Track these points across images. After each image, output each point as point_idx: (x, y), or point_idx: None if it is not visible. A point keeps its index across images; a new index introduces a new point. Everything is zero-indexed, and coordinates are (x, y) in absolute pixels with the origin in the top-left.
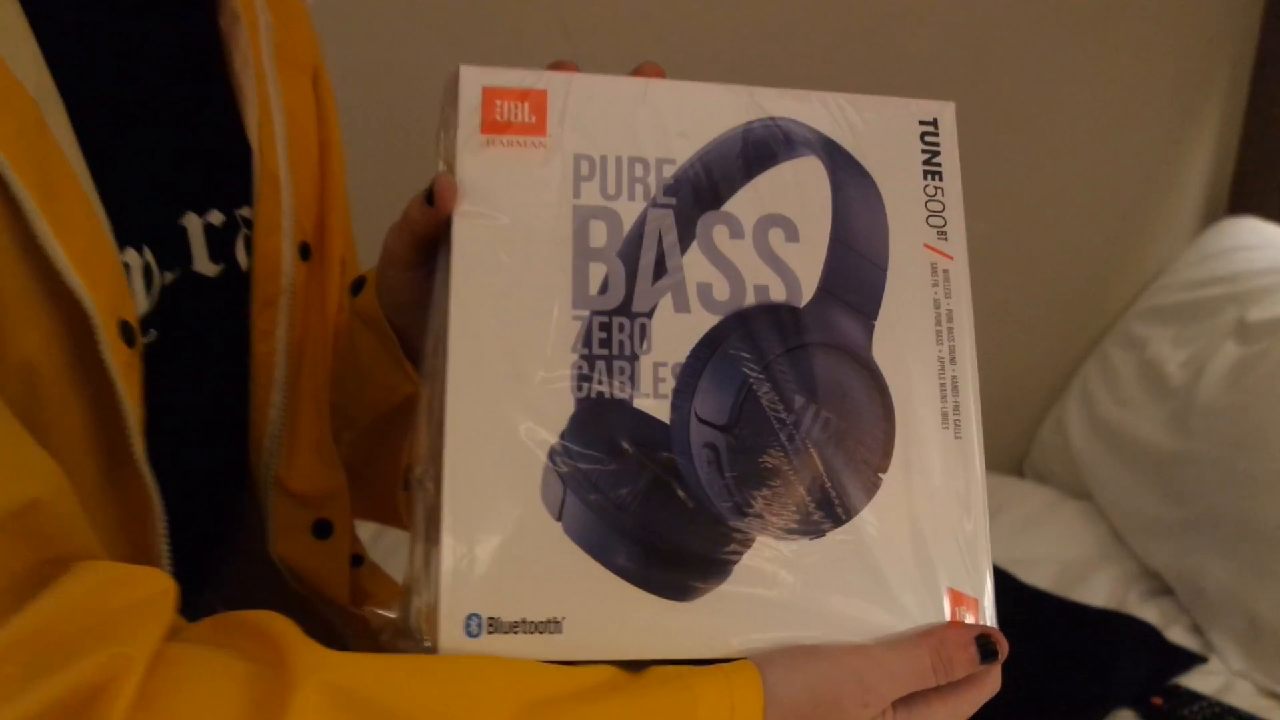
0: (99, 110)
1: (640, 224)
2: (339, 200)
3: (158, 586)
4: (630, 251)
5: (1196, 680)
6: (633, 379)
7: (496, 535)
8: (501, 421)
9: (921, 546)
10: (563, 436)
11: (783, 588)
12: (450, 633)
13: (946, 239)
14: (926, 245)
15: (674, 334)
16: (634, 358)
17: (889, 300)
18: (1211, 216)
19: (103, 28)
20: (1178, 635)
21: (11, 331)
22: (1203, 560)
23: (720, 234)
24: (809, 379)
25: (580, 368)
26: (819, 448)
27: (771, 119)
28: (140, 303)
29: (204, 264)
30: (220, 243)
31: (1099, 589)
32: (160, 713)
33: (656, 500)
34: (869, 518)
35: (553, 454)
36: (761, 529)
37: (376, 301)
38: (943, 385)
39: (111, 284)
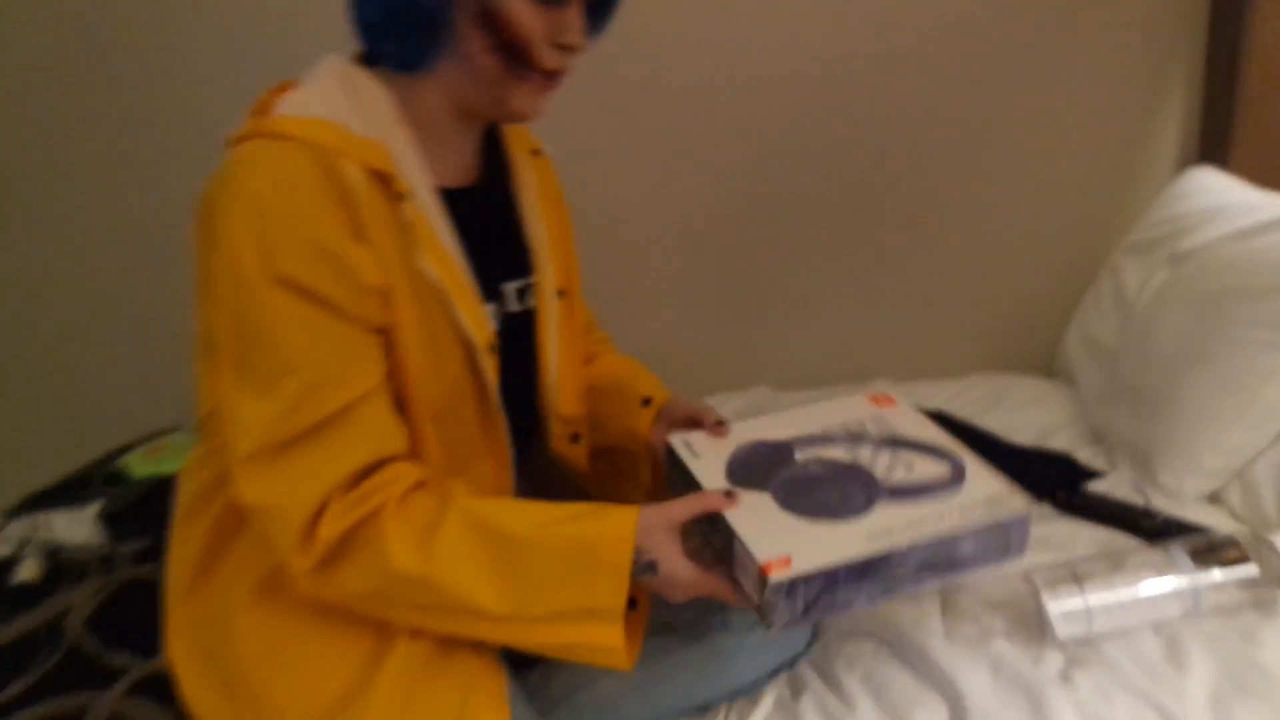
0: (469, 237)
1: None
2: (573, 258)
3: (416, 471)
4: None
5: (1099, 486)
6: None
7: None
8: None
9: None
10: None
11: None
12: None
13: None
14: None
15: None
16: None
17: None
18: (1184, 167)
19: (471, 216)
20: (1098, 463)
21: (444, 359)
22: (1116, 416)
23: None
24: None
25: None
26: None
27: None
28: (492, 331)
29: (514, 306)
30: (520, 295)
31: (1059, 442)
32: (404, 511)
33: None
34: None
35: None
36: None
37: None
38: None
39: (484, 327)
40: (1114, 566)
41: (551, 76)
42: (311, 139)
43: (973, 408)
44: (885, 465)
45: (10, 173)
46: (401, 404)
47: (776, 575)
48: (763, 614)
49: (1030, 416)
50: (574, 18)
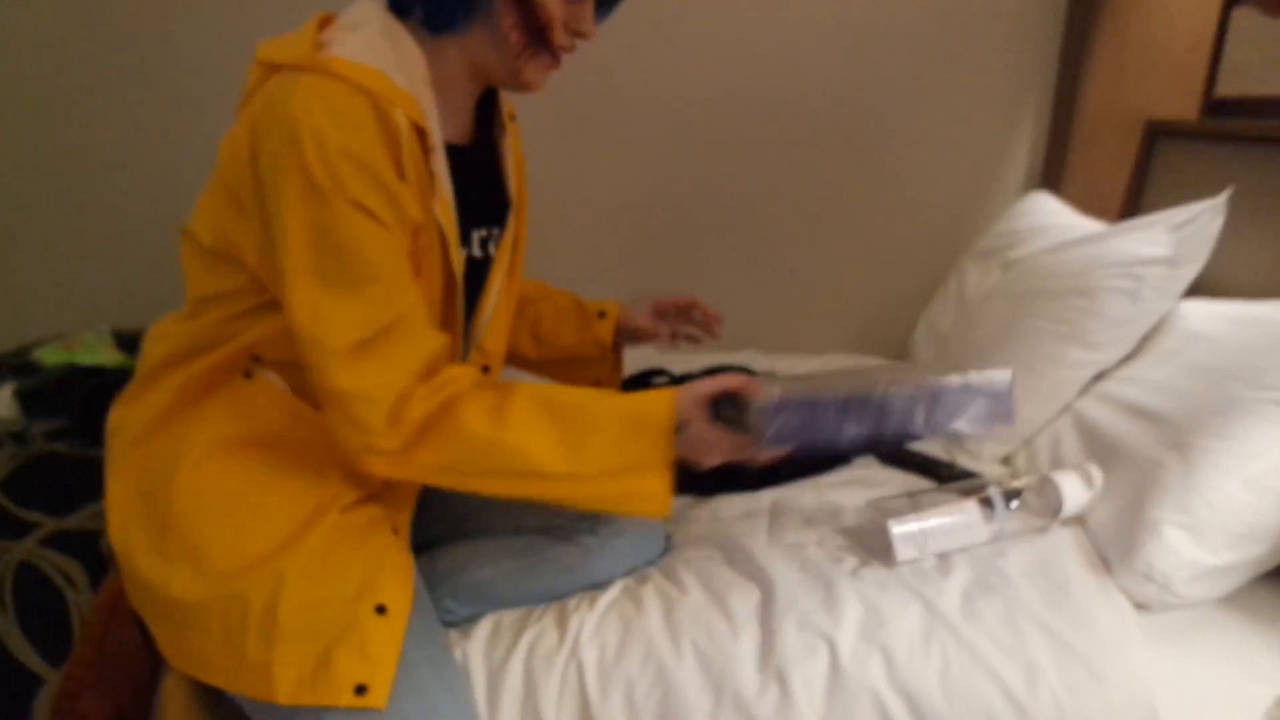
0: (458, 188)
1: None
2: (525, 211)
3: (474, 372)
4: None
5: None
6: None
7: None
8: None
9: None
10: None
11: None
12: None
13: None
14: None
15: None
16: None
17: None
18: (1029, 191)
19: (462, 171)
20: None
21: (432, 289)
22: None
23: None
24: None
25: None
26: None
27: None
28: (461, 263)
29: (476, 251)
30: (483, 243)
31: None
32: (476, 394)
33: None
34: None
35: None
36: None
37: (611, 329)
38: None
39: (461, 265)
40: (942, 501)
41: (558, 57)
42: (369, 86)
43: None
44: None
45: None
46: None
47: (766, 396)
48: (754, 432)
49: None
50: (589, 9)
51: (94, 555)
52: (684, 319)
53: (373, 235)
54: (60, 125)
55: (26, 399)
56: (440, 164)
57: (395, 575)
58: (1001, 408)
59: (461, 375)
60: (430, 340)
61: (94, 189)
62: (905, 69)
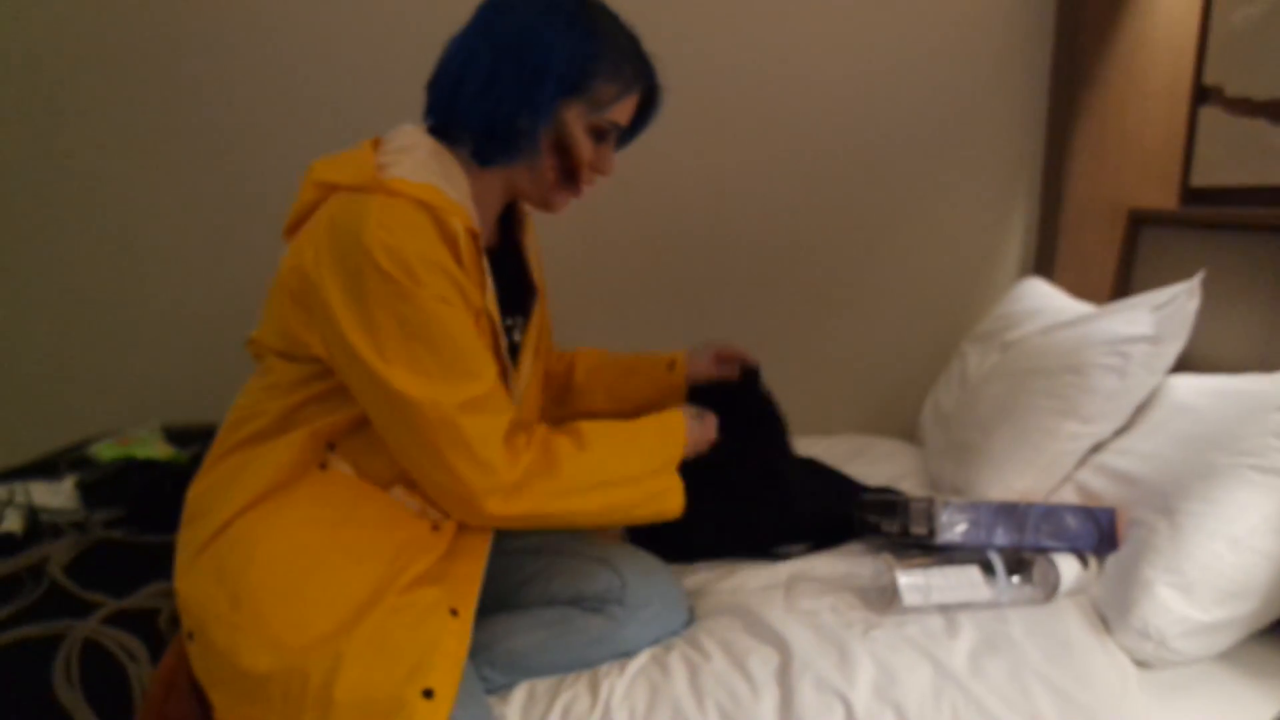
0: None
1: None
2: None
3: (542, 429)
4: None
5: None
6: None
7: None
8: None
9: None
10: None
11: None
12: None
13: None
14: None
15: None
16: None
17: None
18: (1023, 276)
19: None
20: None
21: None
22: (945, 465)
23: None
24: None
25: None
26: None
27: None
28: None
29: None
30: (509, 330)
31: (903, 487)
32: (555, 430)
33: None
34: None
35: None
36: None
37: (683, 375)
38: None
39: (505, 344)
40: (949, 560)
41: (580, 189)
42: (428, 200)
43: (836, 459)
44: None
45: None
46: None
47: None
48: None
49: (883, 468)
50: (610, 152)
51: (153, 631)
52: (742, 363)
53: (455, 319)
54: (113, 222)
55: (86, 490)
56: (486, 263)
57: (445, 660)
58: (1107, 533)
59: (537, 425)
60: (510, 402)
61: (144, 286)
62: (905, 164)
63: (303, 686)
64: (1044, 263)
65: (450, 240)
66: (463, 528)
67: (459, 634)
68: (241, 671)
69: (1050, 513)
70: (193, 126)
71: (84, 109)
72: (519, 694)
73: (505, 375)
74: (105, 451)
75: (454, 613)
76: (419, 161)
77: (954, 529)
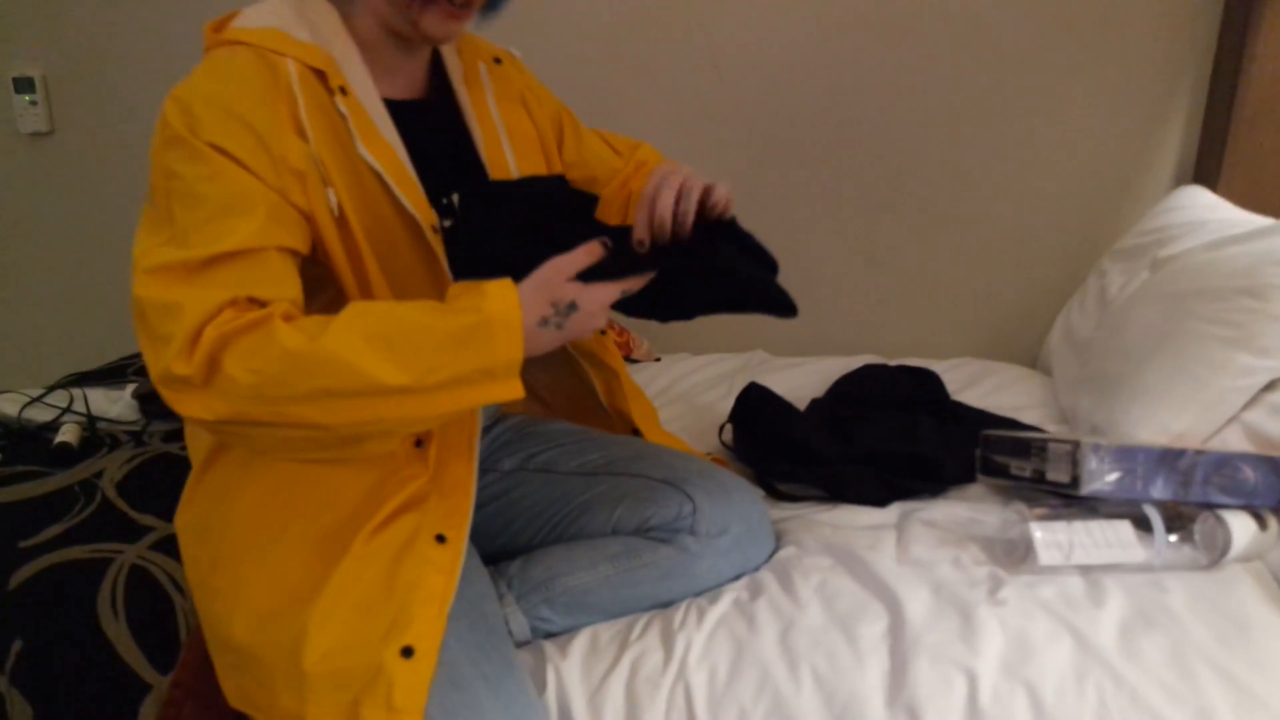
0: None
1: None
2: (552, 149)
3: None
4: None
5: None
6: None
7: None
8: None
9: None
10: None
11: None
12: None
13: None
14: None
15: None
16: None
17: None
18: (1179, 186)
19: (417, 125)
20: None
21: (396, 243)
22: (1082, 399)
23: None
24: None
25: None
26: None
27: None
28: (434, 214)
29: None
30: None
31: (1027, 419)
32: (292, 319)
33: None
34: None
35: None
36: None
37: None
38: None
39: (427, 210)
40: (1092, 512)
41: (457, 5)
42: (257, 42)
43: (952, 385)
44: None
45: None
46: (366, 291)
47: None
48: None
49: (1004, 397)
50: None
51: None
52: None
53: (222, 174)
54: None
55: (144, 400)
56: (368, 109)
57: (426, 608)
58: None
59: (279, 303)
60: (272, 284)
61: None
62: (1039, 47)
63: (274, 658)
64: (1206, 168)
65: (282, 87)
66: (443, 439)
67: (446, 567)
68: (224, 641)
69: (1223, 461)
70: None
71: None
72: (580, 643)
73: (423, 241)
74: None
75: (440, 539)
76: (268, 9)
77: (1103, 477)
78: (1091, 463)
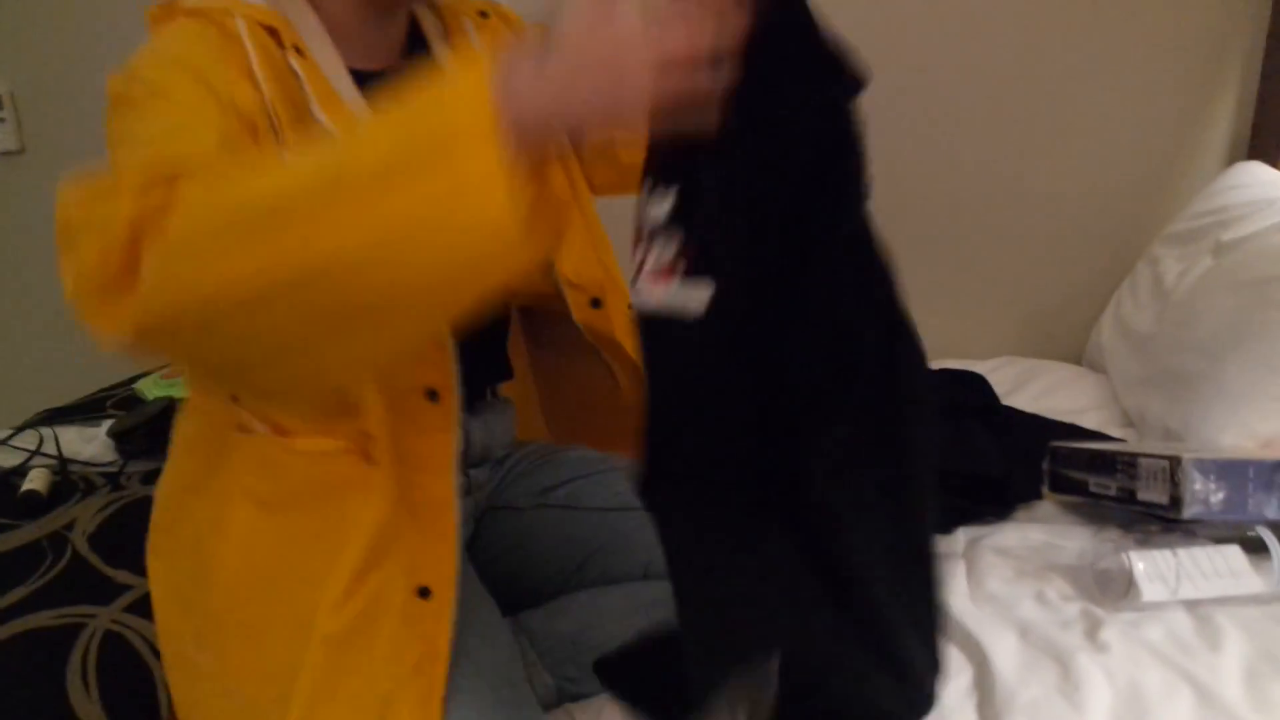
0: None
1: None
2: None
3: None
4: None
5: None
6: None
7: None
8: None
9: None
10: None
11: None
12: None
13: None
14: None
15: None
16: None
17: None
18: (1233, 163)
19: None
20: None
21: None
22: (1151, 399)
23: None
24: None
25: None
26: None
27: None
28: None
29: None
30: None
31: (1088, 423)
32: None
33: None
34: None
35: None
36: None
37: None
38: None
39: None
40: (1191, 535)
41: None
42: (205, 9)
43: (1001, 388)
44: None
45: None
46: None
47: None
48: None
49: (1058, 400)
50: None
51: None
52: None
53: (164, 111)
54: None
55: (120, 437)
56: (328, 74)
57: (413, 691)
58: None
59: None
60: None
61: None
62: (1076, 9)
63: None
64: (1263, 141)
65: (233, 41)
66: (406, 448)
67: (432, 631)
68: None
69: None
70: None
71: None
72: (615, 707)
73: None
74: (149, 389)
75: (424, 593)
76: None
77: (1209, 498)
78: (1196, 482)
